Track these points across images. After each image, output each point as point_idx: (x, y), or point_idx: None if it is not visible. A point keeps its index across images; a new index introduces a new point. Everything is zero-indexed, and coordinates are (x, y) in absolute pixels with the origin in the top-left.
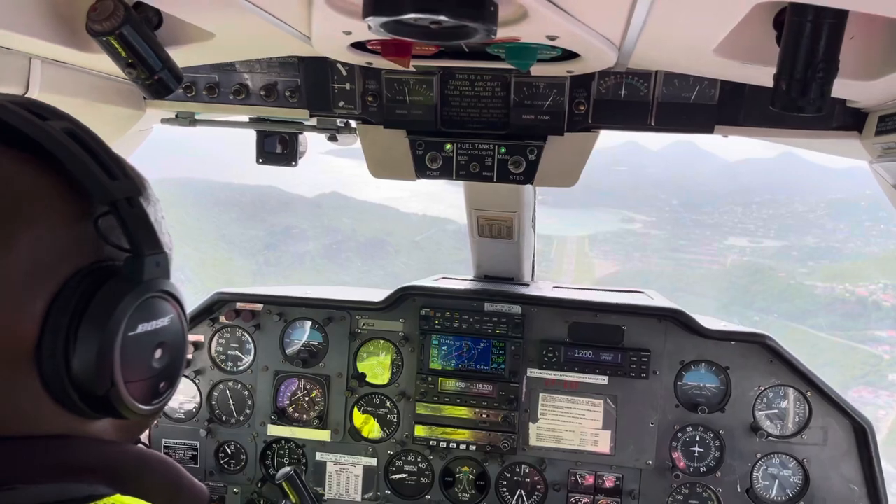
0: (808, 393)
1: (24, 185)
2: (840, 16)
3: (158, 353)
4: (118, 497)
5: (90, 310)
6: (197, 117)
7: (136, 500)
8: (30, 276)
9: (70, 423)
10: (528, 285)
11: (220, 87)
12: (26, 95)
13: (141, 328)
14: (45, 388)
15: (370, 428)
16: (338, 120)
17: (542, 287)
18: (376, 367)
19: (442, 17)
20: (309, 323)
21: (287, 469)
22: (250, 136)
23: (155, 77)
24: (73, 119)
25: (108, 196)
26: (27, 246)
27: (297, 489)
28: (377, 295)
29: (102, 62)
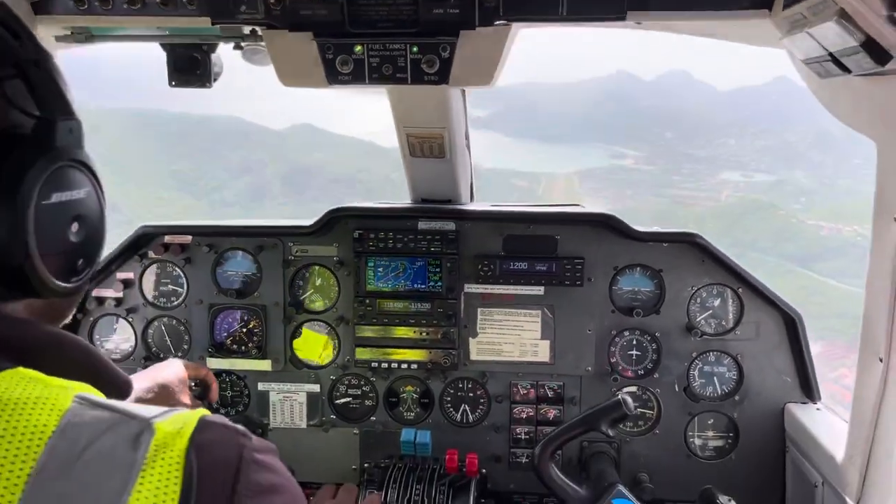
0: (740, 289)
1: None
2: None
3: (75, 227)
4: (20, 369)
5: None
6: (94, 34)
7: (38, 374)
8: None
9: None
10: (464, 205)
11: None
12: None
13: (55, 198)
14: None
15: (324, 349)
16: (244, 28)
17: (478, 205)
18: (314, 294)
19: None
20: (241, 253)
21: None
22: None
23: None
24: None
25: (13, 58)
26: None
27: None
28: (309, 220)
29: None
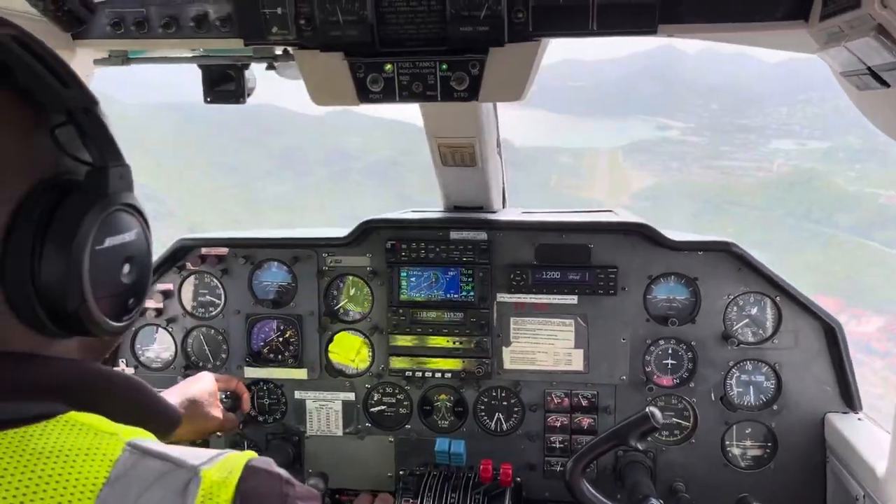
0: (777, 298)
1: None
2: None
3: (126, 269)
4: (73, 414)
5: (55, 224)
6: (130, 56)
7: (92, 417)
8: None
9: (35, 342)
10: (497, 213)
11: (149, 21)
12: None
13: (108, 242)
14: (11, 307)
15: (361, 358)
16: (276, 48)
17: (510, 213)
18: (348, 304)
19: None
20: (276, 264)
21: None
22: None
23: (64, 7)
24: (18, 26)
25: (63, 105)
26: None
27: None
28: (342, 231)
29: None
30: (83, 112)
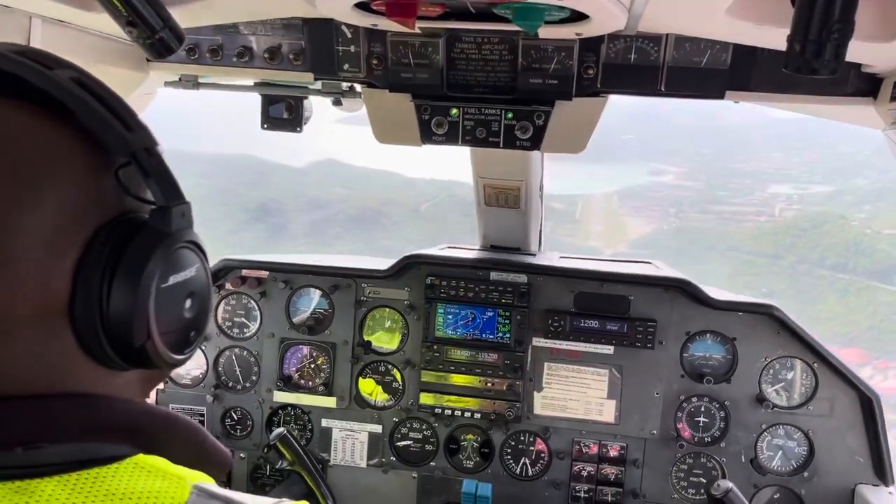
0: (815, 364)
1: (41, 139)
2: None
3: (188, 304)
4: (141, 457)
5: (123, 264)
6: (200, 80)
7: (158, 459)
8: (56, 234)
9: (99, 376)
10: (534, 255)
11: (223, 49)
12: None
13: (172, 280)
14: (80, 343)
15: (377, 392)
16: (343, 84)
17: (549, 257)
18: (383, 336)
19: None
20: (314, 290)
21: (279, 430)
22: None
23: (156, 36)
24: (79, 68)
25: (127, 147)
26: (52, 204)
27: (291, 447)
28: (383, 263)
29: (103, 21)
30: (145, 152)
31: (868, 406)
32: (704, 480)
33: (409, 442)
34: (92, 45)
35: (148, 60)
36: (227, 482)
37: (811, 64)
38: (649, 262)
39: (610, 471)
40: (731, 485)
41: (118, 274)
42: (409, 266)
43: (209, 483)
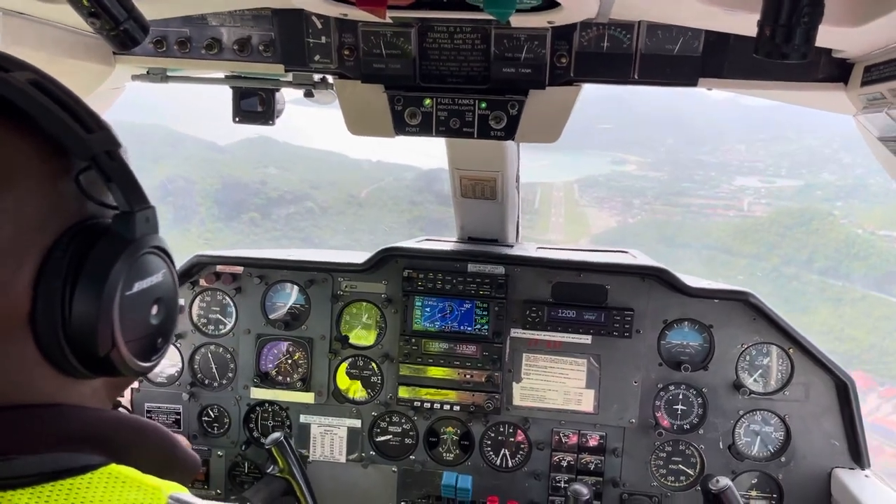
0: (791, 350)
1: None
2: None
3: (154, 310)
4: (114, 467)
5: (85, 272)
6: (169, 73)
7: (131, 470)
8: (14, 241)
9: (64, 385)
10: (512, 246)
11: (191, 41)
12: None
13: (137, 286)
14: (42, 353)
15: (355, 389)
16: (314, 75)
17: (526, 248)
18: (360, 333)
19: None
20: (290, 285)
21: (276, 435)
22: None
23: (120, 28)
24: (37, 69)
25: (87, 150)
26: (8, 211)
27: (286, 454)
28: (360, 257)
29: (66, 14)
30: (106, 156)
31: (843, 390)
32: (684, 468)
33: (388, 436)
34: (56, 38)
35: (115, 54)
36: (204, 481)
37: (781, 49)
38: (626, 252)
39: (590, 460)
40: (730, 483)
41: (80, 282)
42: (386, 259)
43: (184, 493)
